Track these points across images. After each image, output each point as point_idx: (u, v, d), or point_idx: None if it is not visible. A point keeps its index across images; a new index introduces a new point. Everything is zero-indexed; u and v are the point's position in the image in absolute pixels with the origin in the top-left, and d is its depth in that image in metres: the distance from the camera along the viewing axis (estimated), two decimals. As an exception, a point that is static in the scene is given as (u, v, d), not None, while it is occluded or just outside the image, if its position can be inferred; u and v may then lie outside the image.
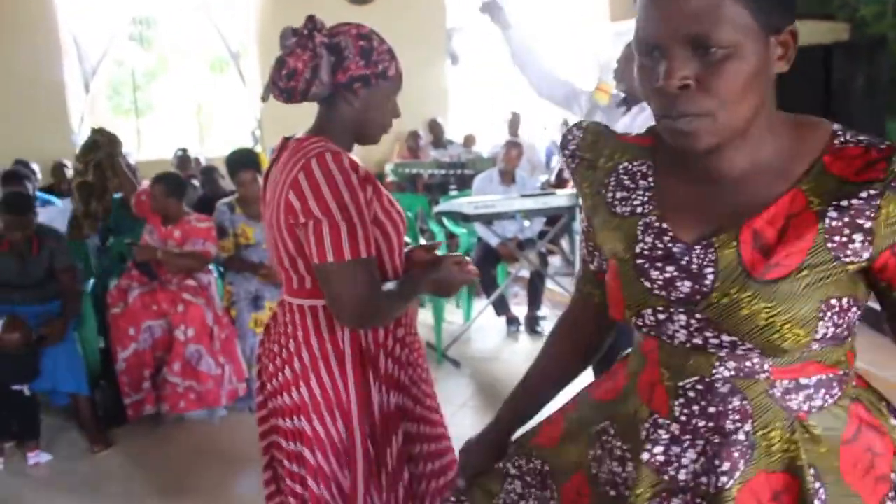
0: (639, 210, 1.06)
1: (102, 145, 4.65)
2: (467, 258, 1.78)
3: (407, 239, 1.79)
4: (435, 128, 7.50)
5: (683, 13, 0.88)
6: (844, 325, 0.96)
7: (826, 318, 0.93)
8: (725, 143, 0.94)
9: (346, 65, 1.57)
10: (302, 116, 1.73)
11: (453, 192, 6.37)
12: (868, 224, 0.90)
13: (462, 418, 3.87)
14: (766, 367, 0.97)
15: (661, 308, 1.00)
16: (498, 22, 2.79)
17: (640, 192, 1.07)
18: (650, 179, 1.07)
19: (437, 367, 4.62)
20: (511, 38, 2.80)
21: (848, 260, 0.92)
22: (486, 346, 5.11)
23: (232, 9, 8.26)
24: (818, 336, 0.93)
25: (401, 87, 1.68)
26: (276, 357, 1.67)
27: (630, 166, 1.10)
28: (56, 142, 7.28)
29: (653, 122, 2.39)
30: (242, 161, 4.03)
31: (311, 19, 1.57)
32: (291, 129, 1.73)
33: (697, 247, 0.99)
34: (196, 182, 6.06)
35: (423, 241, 5.07)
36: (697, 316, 0.97)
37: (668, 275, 1.00)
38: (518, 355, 4.88)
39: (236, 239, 3.97)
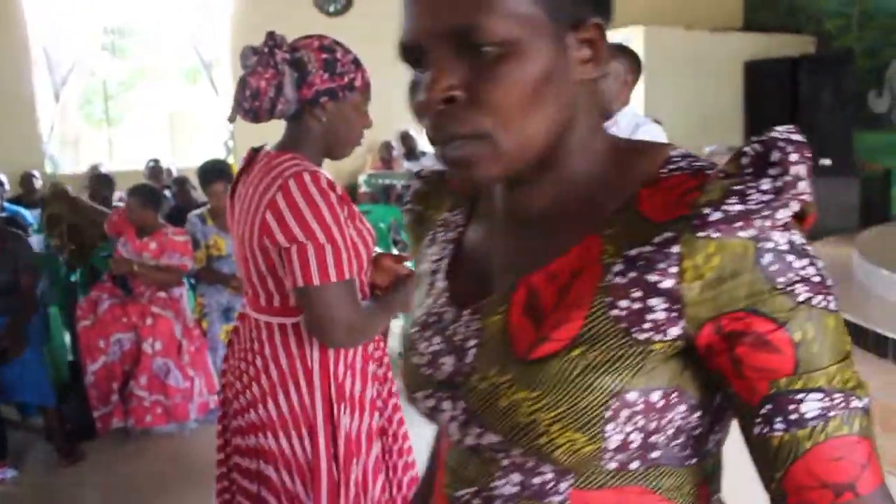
0: (433, 268, 0.84)
1: (62, 211, 4.50)
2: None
3: (378, 249, 1.78)
4: (408, 139, 7.52)
5: (443, 1, 0.65)
6: (670, 434, 0.66)
7: (620, 420, 0.63)
8: (518, 174, 0.69)
9: (311, 79, 1.54)
10: (277, 125, 1.70)
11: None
12: (668, 284, 0.61)
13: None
14: (562, 487, 0.68)
15: (429, 391, 0.76)
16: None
17: (444, 245, 0.85)
18: (459, 229, 0.85)
19: (410, 378, 4.63)
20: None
21: (645, 337, 0.63)
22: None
23: (205, 19, 8.24)
24: (610, 445, 0.64)
25: (370, 97, 1.65)
26: (243, 374, 1.65)
27: (449, 216, 0.87)
28: (25, 152, 7.21)
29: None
30: (214, 172, 4.03)
31: (270, 36, 1.54)
32: (265, 139, 1.71)
33: (466, 312, 0.75)
34: (168, 193, 6.05)
35: (395, 253, 5.13)
36: (461, 405, 0.72)
37: (433, 348, 0.77)
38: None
39: (208, 250, 3.96)
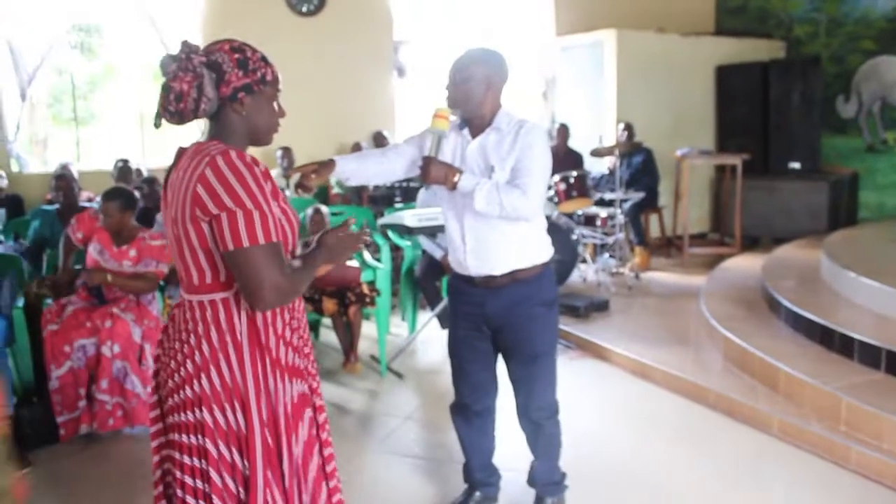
0: None
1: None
2: (359, 228, 1.99)
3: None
4: (380, 140, 7.49)
5: None
6: None
7: None
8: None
9: (227, 78, 1.71)
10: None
11: (398, 205, 6.37)
12: None
13: (406, 431, 3.86)
14: None
15: None
16: (315, 184, 2.58)
17: None
18: None
19: (381, 380, 4.61)
20: (344, 173, 2.64)
21: None
22: (430, 358, 5.11)
23: (176, 18, 8.14)
24: None
25: (280, 88, 1.80)
26: (177, 353, 1.74)
27: None
28: (-9, 152, 7.08)
29: (528, 137, 2.44)
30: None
31: (184, 43, 1.69)
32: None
33: None
34: (137, 194, 5.97)
35: (366, 255, 5.10)
36: None
37: None
38: (462, 367, 4.89)
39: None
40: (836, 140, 8.28)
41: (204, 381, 1.70)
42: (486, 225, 2.60)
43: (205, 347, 1.70)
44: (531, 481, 3.00)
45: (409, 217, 4.60)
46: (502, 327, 2.73)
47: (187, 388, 1.71)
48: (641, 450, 3.64)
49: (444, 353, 5.17)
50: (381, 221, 5.00)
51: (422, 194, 5.48)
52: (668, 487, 3.26)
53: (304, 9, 7.37)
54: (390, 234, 5.60)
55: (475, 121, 2.63)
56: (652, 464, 3.48)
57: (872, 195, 8.06)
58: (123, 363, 3.66)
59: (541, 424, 2.85)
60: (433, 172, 2.50)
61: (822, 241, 6.29)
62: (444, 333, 5.31)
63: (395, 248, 5.94)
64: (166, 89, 1.68)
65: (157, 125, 1.74)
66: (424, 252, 5.38)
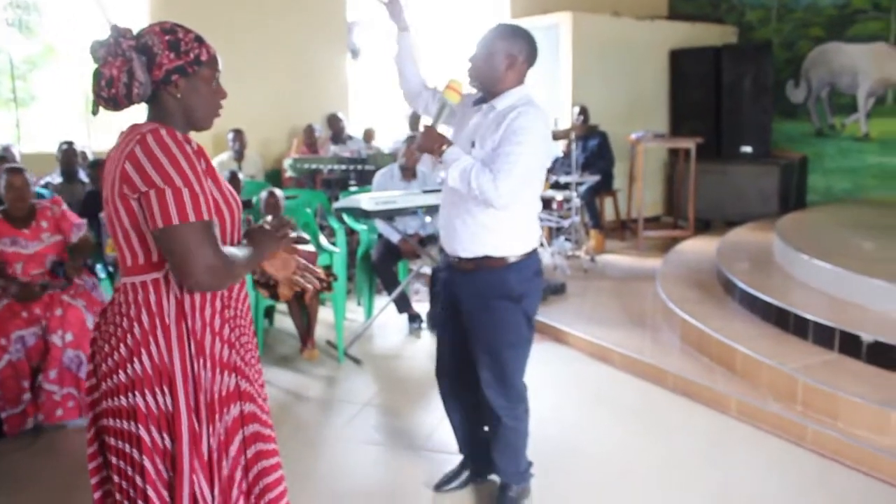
0: None
1: None
2: (288, 222, 1.98)
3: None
4: (334, 122, 7.35)
5: None
6: None
7: None
8: None
9: (159, 60, 1.66)
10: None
11: (353, 188, 6.27)
12: None
13: (366, 417, 3.80)
14: None
15: None
16: (397, 21, 2.71)
17: None
18: None
19: (339, 366, 4.53)
20: (402, 41, 2.73)
21: None
22: (387, 343, 5.05)
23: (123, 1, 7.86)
24: None
25: (219, 67, 1.75)
26: (111, 337, 1.71)
27: None
28: (-76, 133, 6.76)
29: (520, 119, 2.38)
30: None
31: (113, 27, 1.64)
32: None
33: None
34: (84, 177, 5.77)
35: (322, 239, 5.00)
36: None
37: None
38: (420, 353, 4.85)
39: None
40: (785, 125, 8.42)
41: (136, 365, 1.66)
42: (458, 203, 2.57)
43: (136, 330, 1.67)
44: (496, 469, 2.96)
45: (365, 200, 4.51)
46: (464, 313, 2.70)
47: (120, 371, 1.68)
48: (602, 433, 3.64)
49: (401, 338, 5.14)
50: (336, 205, 4.90)
51: (378, 177, 5.39)
52: (630, 470, 3.26)
53: (255, -13, 7.17)
54: (345, 217, 5.51)
55: (490, 98, 2.58)
56: (613, 446, 3.48)
57: (821, 179, 8.22)
58: (76, 352, 3.52)
59: (498, 416, 2.79)
60: (424, 141, 2.49)
61: (773, 224, 6.38)
62: (402, 318, 5.30)
63: (351, 232, 5.85)
64: (97, 75, 1.65)
65: (93, 112, 1.70)
66: (380, 236, 5.30)
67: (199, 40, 1.72)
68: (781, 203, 7.69)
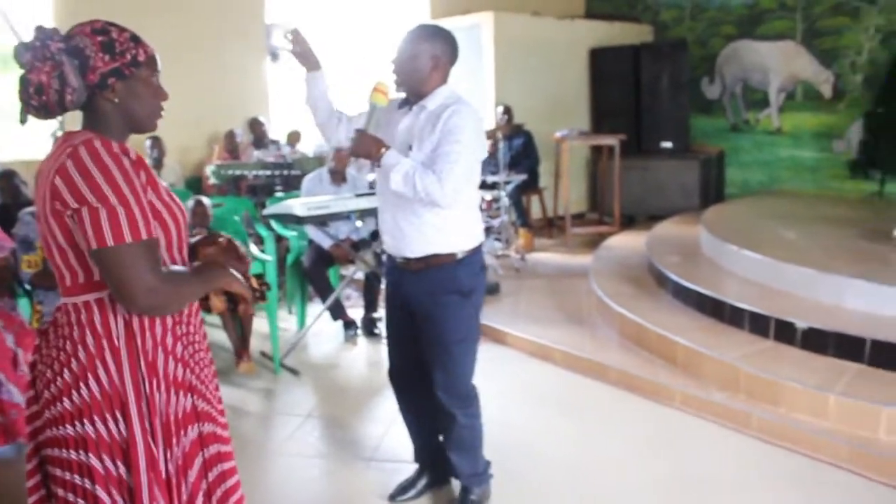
0: None
1: None
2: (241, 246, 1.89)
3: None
4: (256, 126, 7.15)
5: None
6: None
7: None
8: None
9: (92, 64, 1.54)
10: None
11: (279, 194, 6.10)
12: None
13: (310, 429, 3.66)
14: None
15: None
16: (306, 63, 2.59)
17: None
18: None
19: (276, 378, 4.37)
20: (313, 82, 2.61)
21: None
22: (324, 352, 4.92)
23: (25, 1, 7.45)
24: None
25: (158, 67, 1.65)
26: (54, 361, 1.59)
27: None
28: None
29: (454, 118, 2.33)
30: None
31: (39, 29, 1.52)
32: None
33: None
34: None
35: (252, 246, 4.83)
36: None
37: None
38: (358, 360, 4.74)
39: (43, 252, 3.51)
40: (702, 120, 8.65)
41: (83, 391, 1.55)
42: (402, 206, 2.54)
43: (81, 354, 1.56)
44: (454, 473, 2.91)
45: (298, 206, 4.37)
46: (415, 312, 2.67)
47: (65, 399, 1.56)
48: (550, 432, 3.61)
49: (337, 346, 5.01)
50: (266, 211, 4.74)
51: (307, 182, 5.24)
52: (582, 465, 3.24)
53: (168, -10, 6.90)
54: (273, 224, 5.35)
55: (415, 99, 2.55)
56: (562, 445, 3.45)
57: (737, 172, 8.48)
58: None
59: (453, 414, 2.75)
60: (361, 146, 2.42)
61: (697, 217, 6.53)
62: (336, 326, 5.17)
63: (279, 239, 5.68)
64: (24, 82, 1.52)
65: (22, 121, 1.57)
66: (311, 242, 5.16)
67: (135, 39, 1.60)
68: (702, 196, 7.89)
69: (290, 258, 5.38)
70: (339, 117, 2.67)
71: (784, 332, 3.91)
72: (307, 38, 2.56)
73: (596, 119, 8.80)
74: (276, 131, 7.52)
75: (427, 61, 2.47)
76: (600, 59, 8.57)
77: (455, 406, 2.74)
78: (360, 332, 5.13)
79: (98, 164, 1.48)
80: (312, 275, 5.08)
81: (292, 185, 6.24)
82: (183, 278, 1.60)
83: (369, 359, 4.77)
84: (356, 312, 5.32)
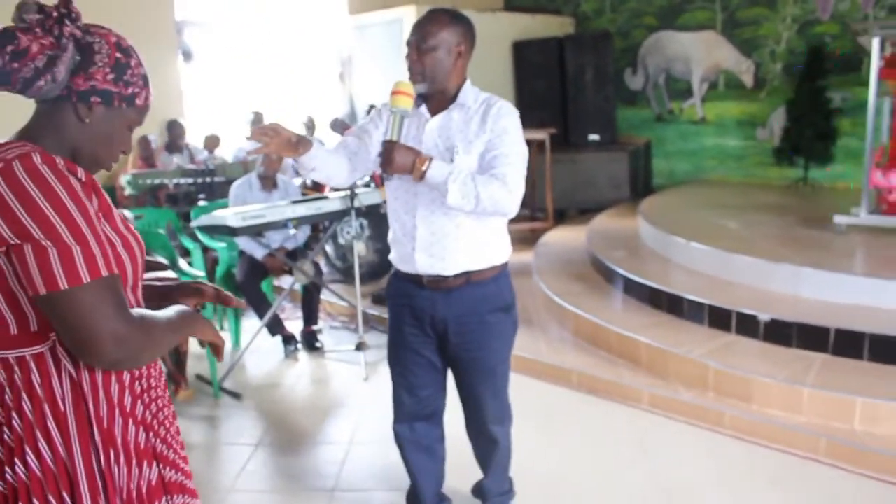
0: None
1: None
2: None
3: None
4: (176, 129, 6.70)
5: None
6: None
7: None
8: None
9: (92, 71, 1.31)
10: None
11: (202, 203, 5.72)
12: None
13: (262, 460, 3.37)
14: None
15: None
16: (296, 151, 2.15)
17: None
18: None
19: (217, 403, 4.04)
20: (312, 160, 2.19)
21: None
22: (263, 370, 4.60)
23: None
24: None
25: (142, 122, 1.44)
26: None
27: None
28: None
29: (499, 119, 2.07)
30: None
31: (66, 3, 1.29)
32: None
33: None
34: None
35: (182, 262, 4.46)
36: None
37: None
38: (302, 377, 4.45)
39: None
40: (627, 111, 8.66)
41: (18, 468, 1.27)
42: (444, 218, 2.25)
43: (16, 422, 1.27)
44: (480, 494, 2.74)
45: (231, 217, 4.04)
46: (453, 335, 2.37)
47: None
48: (519, 441, 3.41)
49: (277, 363, 4.70)
50: (196, 223, 4.38)
51: (235, 189, 4.90)
52: (558, 480, 3.08)
53: (66, -16, 6.38)
54: (199, 235, 4.99)
55: (437, 96, 2.26)
56: (533, 454, 3.28)
57: (664, 162, 8.52)
58: None
59: (496, 440, 2.57)
60: (398, 159, 2.10)
61: (631, 209, 6.50)
62: (274, 341, 4.86)
63: (206, 250, 5.31)
64: (8, 37, 1.24)
65: None
66: (242, 253, 4.83)
67: (146, 81, 1.39)
68: (632, 188, 7.87)
69: (219, 271, 5.03)
70: (348, 158, 2.32)
71: (745, 326, 3.86)
72: (277, 123, 2.14)
73: (522, 113, 8.47)
74: (193, 135, 7.09)
75: (451, 52, 2.21)
76: (524, 51, 8.46)
77: (500, 431, 2.57)
78: (300, 346, 4.83)
79: (41, 185, 1.19)
80: (246, 288, 4.75)
81: (216, 193, 5.87)
82: (156, 324, 1.31)
83: (314, 375, 4.48)
84: (293, 325, 5.03)
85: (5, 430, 1.27)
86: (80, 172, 1.28)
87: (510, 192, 2.13)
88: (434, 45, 2.19)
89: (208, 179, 5.92)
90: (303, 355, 4.77)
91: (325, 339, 4.97)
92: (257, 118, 7.37)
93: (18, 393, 1.27)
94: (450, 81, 2.25)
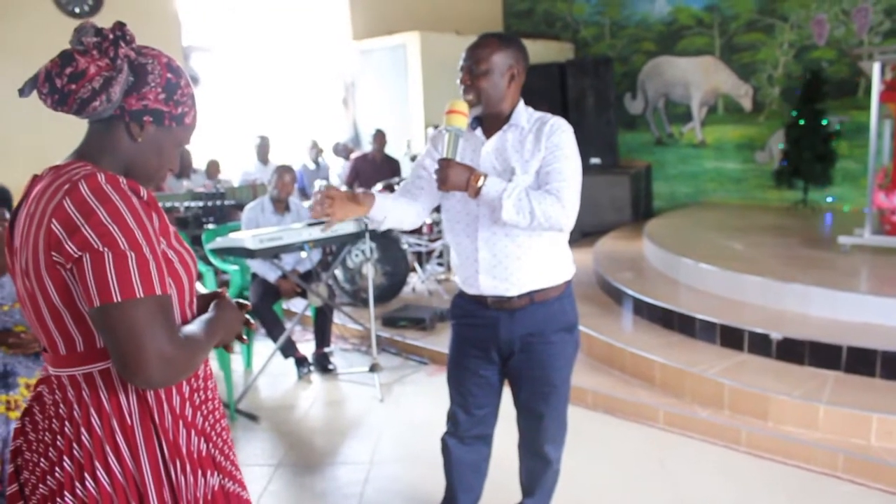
0: None
1: None
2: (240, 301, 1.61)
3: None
4: (185, 156, 6.77)
5: None
6: None
7: None
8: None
9: (145, 91, 1.35)
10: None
11: (211, 226, 5.76)
12: None
13: (285, 481, 3.39)
14: None
15: None
16: (360, 210, 2.22)
17: None
18: None
19: (234, 425, 4.06)
20: (382, 211, 2.28)
21: None
22: (278, 392, 4.62)
23: None
24: None
25: (190, 140, 1.48)
26: (49, 448, 1.33)
27: None
28: None
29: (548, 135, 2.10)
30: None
31: (121, 26, 1.35)
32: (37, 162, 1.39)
33: None
34: None
35: (198, 284, 4.49)
36: None
37: None
38: (317, 400, 4.47)
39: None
40: (627, 135, 8.77)
41: (89, 483, 1.28)
42: (505, 240, 2.28)
43: (85, 438, 1.29)
44: None
45: (249, 239, 4.08)
46: (517, 354, 2.39)
47: (66, 494, 1.29)
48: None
49: (291, 385, 4.72)
50: (212, 246, 4.41)
51: (248, 212, 4.95)
52: (579, 496, 3.11)
53: (77, 9, 6.46)
54: (211, 258, 5.03)
55: (491, 118, 2.32)
56: (556, 476, 3.31)
57: (664, 185, 8.62)
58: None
59: (549, 461, 2.58)
60: (453, 177, 2.16)
61: (634, 232, 6.57)
62: (286, 364, 4.88)
63: (217, 273, 5.35)
64: (68, 59, 1.30)
65: (23, 93, 1.32)
66: (254, 276, 4.87)
67: (194, 101, 1.44)
68: (633, 210, 7.96)
69: (231, 293, 5.06)
70: (413, 199, 2.42)
71: (757, 344, 3.91)
72: (327, 187, 2.21)
73: (523, 137, 8.77)
74: (196, 160, 7.14)
75: (504, 75, 2.26)
76: (527, 76, 8.55)
77: (554, 452, 2.58)
78: (313, 368, 4.86)
79: (103, 200, 1.22)
80: (260, 311, 4.78)
81: (228, 217, 5.92)
82: (199, 343, 1.33)
83: (328, 397, 4.51)
84: (304, 347, 5.05)
85: (74, 446, 1.30)
86: (143, 192, 1.31)
87: (563, 207, 2.16)
88: (487, 70, 2.25)
89: (218, 202, 5.96)
90: (316, 377, 4.80)
91: (336, 360, 5.00)
92: (264, 143, 7.44)
93: (87, 409, 1.30)
94: (504, 103, 2.30)
